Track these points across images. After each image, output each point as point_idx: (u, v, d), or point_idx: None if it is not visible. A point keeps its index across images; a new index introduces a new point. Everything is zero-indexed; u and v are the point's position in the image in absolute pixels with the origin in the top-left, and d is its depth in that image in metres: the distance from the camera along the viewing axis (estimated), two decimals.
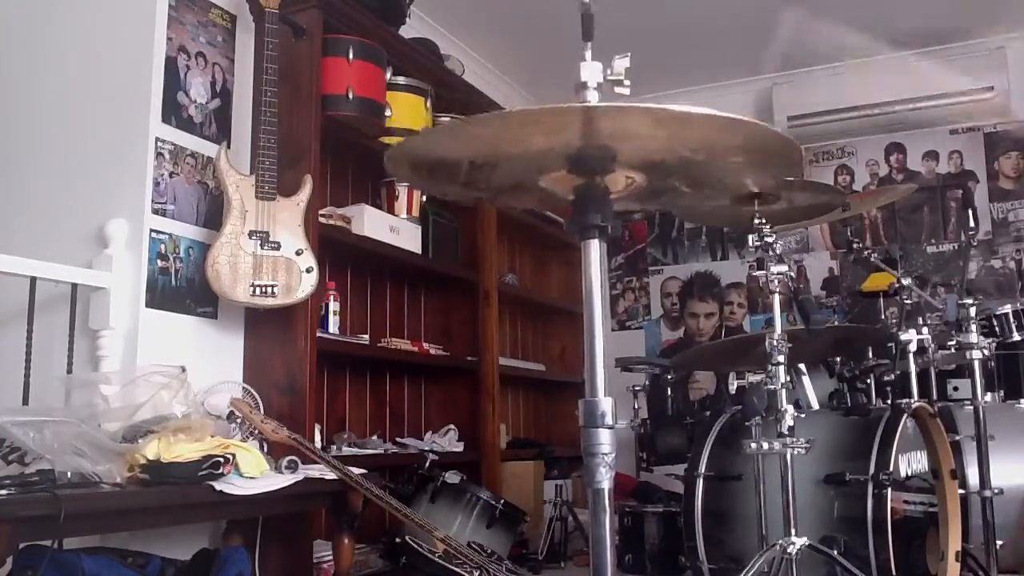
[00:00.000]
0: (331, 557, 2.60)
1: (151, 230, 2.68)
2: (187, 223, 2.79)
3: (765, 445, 2.12)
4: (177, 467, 2.06)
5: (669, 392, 3.42)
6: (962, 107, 4.54)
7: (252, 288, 2.66)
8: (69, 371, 2.53)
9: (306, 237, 2.76)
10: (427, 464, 3.09)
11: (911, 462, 2.47)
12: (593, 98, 1.27)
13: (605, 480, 1.28)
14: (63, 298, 2.59)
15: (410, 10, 3.61)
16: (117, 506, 1.98)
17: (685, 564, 2.65)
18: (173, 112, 2.78)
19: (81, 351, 2.58)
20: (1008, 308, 3.43)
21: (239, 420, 2.53)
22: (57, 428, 1.99)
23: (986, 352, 2.82)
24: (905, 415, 2.39)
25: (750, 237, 2.27)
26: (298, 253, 2.74)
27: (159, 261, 2.69)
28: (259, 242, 2.69)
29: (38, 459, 1.92)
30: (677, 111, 1.21)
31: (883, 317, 3.65)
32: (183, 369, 2.36)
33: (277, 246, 2.71)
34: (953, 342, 2.85)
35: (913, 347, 2.69)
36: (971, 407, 2.81)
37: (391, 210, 3.49)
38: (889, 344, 2.73)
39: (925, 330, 2.77)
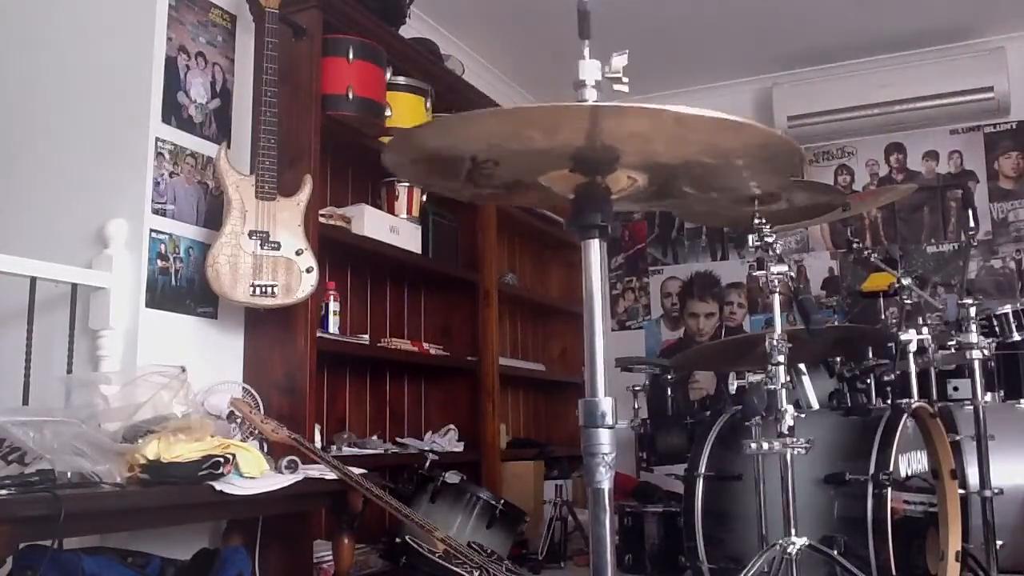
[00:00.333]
0: (331, 557, 2.60)
1: (151, 230, 2.68)
2: (187, 223, 2.79)
3: (765, 445, 2.12)
4: (177, 467, 2.06)
5: (669, 392, 3.42)
6: (962, 107, 4.54)
7: (252, 288, 2.66)
8: (69, 371, 2.53)
9: (306, 237, 2.76)
10: (427, 464, 3.09)
11: (911, 462, 2.47)
12: (592, 96, 1.27)
13: (605, 480, 1.28)
14: (63, 298, 2.59)
15: (410, 10, 3.61)
16: (117, 506, 1.98)
17: (685, 564, 2.65)
18: (173, 112, 2.78)
19: (81, 351, 2.58)
20: (1008, 308, 3.43)
21: (239, 420, 2.53)
22: (57, 428, 1.99)
23: (986, 352, 2.82)
24: (905, 415, 2.39)
25: (750, 237, 2.27)
26: (298, 253, 2.74)
27: (159, 261, 2.69)
28: (259, 242, 2.69)
29: (38, 459, 1.92)
30: (683, 113, 1.20)
31: (883, 317, 3.65)
32: (183, 369, 2.36)
33: (277, 246, 2.71)
34: (953, 342, 2.85)
35: (913, 347, 2.69)
36: (971, 407, 2.81)
37: (391, 210, 3.49)
38: (889, 344, 2.74)
39: (925, 330, 2.77)
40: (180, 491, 2.07)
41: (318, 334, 2.94)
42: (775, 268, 2.22)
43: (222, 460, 2.11)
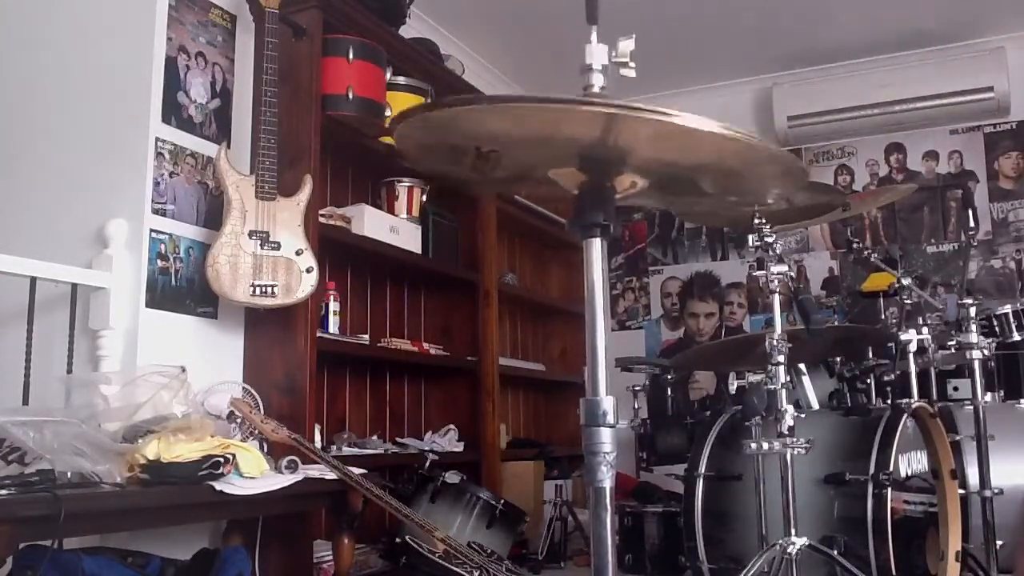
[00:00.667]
0: (331, 557, 2.60)
1: (151, 230, 2.68)
2: (187, 223, 2.79)
3: (765, 445, 2.12)
4: (177, 467, 2.06)
5: (669, 392, 3.42)
6: (962, 107, 4.54)
7: (252, 288, 2.66)
8: (69, 371, 2.53)
9: (306, 237, 2.76)
10: (427, 464, 3.09)
11: (911, 462, 2.47)
12: (599, 81, 1.25)
13: (606, 479, 1.28)
14: (63, 298, 2.59)
15: (410, 10, 3.61)
16: (117, 506, 1.98)
17: (685, 564, 2.65)
18: (173, 112, 2.78)
19: (81, 351, 2.58)
20: (1008, 308, 3.43)
21: (239, 420, 2.53)
22: (57, 428, 1.99)
23: (986, 352, 2.82)
24: (905, 415, 2.39)
25: (750, 237, 2.27)
26: (298, 253, 2.73)
27: (159, 261, 2.69)
28: (259, 242, 2.69)
29: (38, 459, 1.91)
30: (701, 128, 1.17)
31: (883, 317, 3.65)
32: (183, 369, 2.36)
33: (277, 246, 2.71)
34: (953, 342, 2.85)
35: (913, 347, 2.69)
36: (971, 407, 2.81)
37: (391, 210, 3.49)
38: (889, 344, 2.74)
39: (925, 330, 2.77)
40: (180, 491, 2.07)
41: (318, 334, 2.94)
42: (775, 268, 2.22)
43: (222, 460, 2.11)
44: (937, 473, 2.56)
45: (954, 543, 2.52)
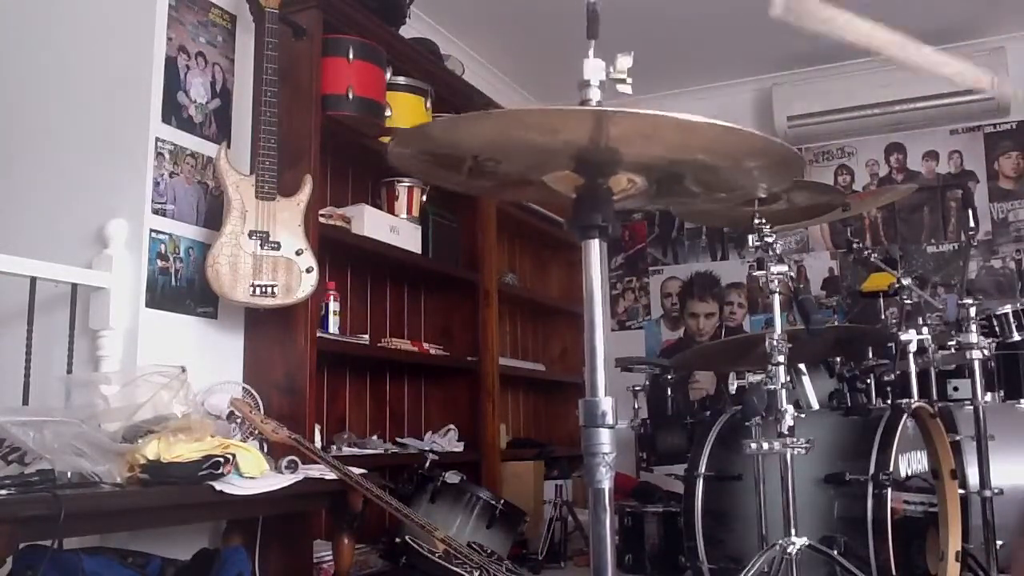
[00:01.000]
0: (331, 557, 2.60)
1: (151, 230, 2.68)
2: (187, 223, 2.79)
3: (765, 445, 2.12)
4: (177, 467, 2.06)
5: (669, 392, 3.42)
6: (962, 107, 4.54)
7: (252, 288, 2.66)
8: (69, 371, 2.53)
9: (306, 237, 2.76)
10: (427, 464, 3.09)
11: (911, 462, 2.47)
12: (596, 95, 1.27)
13: (605, 480, 1.28)
14: (63, 298, 2.59)
15: (410, 10, 3.61)
16: (117, 506, 1.98)
17: (685, 564, 2.66)
18: (173, 112, 2.78)
19: (81, 351, 2.58)
20: (1008, 308, 3.43)
21: (239, 420, 2.53)
22: (57, 428, 1.99)
23: (986, 352, 2.82)
24: (905, 415, 2.39)
25: (750, 237, 2.27)
26: (298, 253, 2.74)
27: (159, 261, 2.69)
28: (259, 242, 2.69)
29: (38, 459, 1.92)
30: (690, 121, 1.19)
31: (883, 317, 3.65)
32: (183, 369, 2.36)
33: (277, 246, 2.71)
34: (953, 342, 2.85)
35: (913, 347, 2.69)
36: (971, 407, 2.81)
37: (391, 210, 3.49)
38: (889, 344, 2.73)
39: (925, 330, 2.77)
40: (180, 491, 2.07)
41: (318, 334, 2.94)
42: (775, 268, 2.22)
43: (222, 460, 2.11)
44: (937, 473, 2.56)
45: (954, 543, 2.52)
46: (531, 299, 4.73)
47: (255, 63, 3.02)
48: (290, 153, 2.89)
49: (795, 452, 2.11)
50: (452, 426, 3.71)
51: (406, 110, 3.35)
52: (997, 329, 3.39)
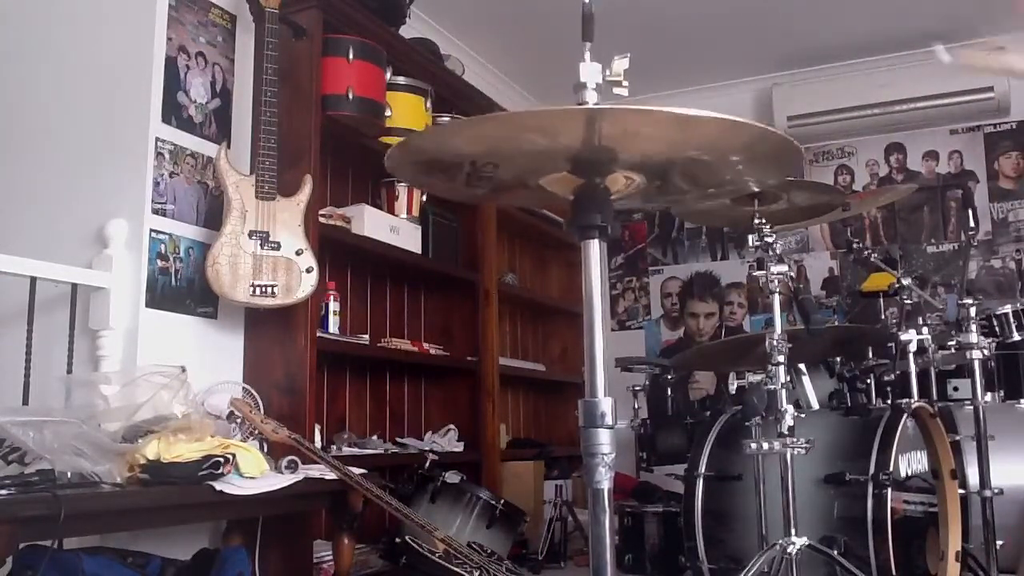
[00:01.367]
0: (331, 557, 2.60)
1: (151, 230, 2.68)
2: (187, 223, 2.79)
3: (765, 445, 2.12)
4: (177, 467, 2.06)
5: (669, 392, 3.42)
6: (962, 107, 4.54)
7: (252, 288, 2.66)
8: (69, 371, 2.53)
9: (306, 237, 2.76)
10: (427, 464, 3.09)
11: (911, 462, 2.47)
12: (592, 99, 1.27)
13: (605, 480, 1.28)
14: (63, 298, 2.59)
15: (410, 10, 3.61)
16: (117, 506, 1.98)
17: (685, 564, 2.65)
18: (173, 112, 2.78)
19: (81, 351, 2.58)
20: (1008, 308, 3.43)
21: (239, 420, 2.53)
22: (57, 428, 1.99)
23: (986, 352, 2.82)
24: (905, 415, 2.39)
25: (750, 237, 2.27)
26: (298, 253, 2.74)
27: (159, 261, 2.69)
28: (259, 242, 2.69)
29: (38, 459, 1.92)
30: (680, 113, 1.20)
31: (883, 317, 3.65)
32: (183, 369, 2.36)
33: (277, 246, 2.71)
34: (953, 342, 2.85)
35: (913, 347, 2.69)
36: (971, 407, 2.81)
37: (391, 210, 3.49)
38: (889, 344, 2.74)
39: (925, 330, 2.77)
40: (180, 491, 2.07)
41: (318, 334, 2.94)
42: (775, 268, 2.22)
43: (222, 460, 2.11)
44: (937, 473, 2.56)
45: (954, 543, 2.52)
46: (531, 299, 4.73)
47: (255, 63, 3.02)
48: (290, 153, 2.89)
49: (795, 452, 2.11)
50: (452, 426, 3.71)
51: (406, 110, 3.35)
52: (997, 329, 3.39)
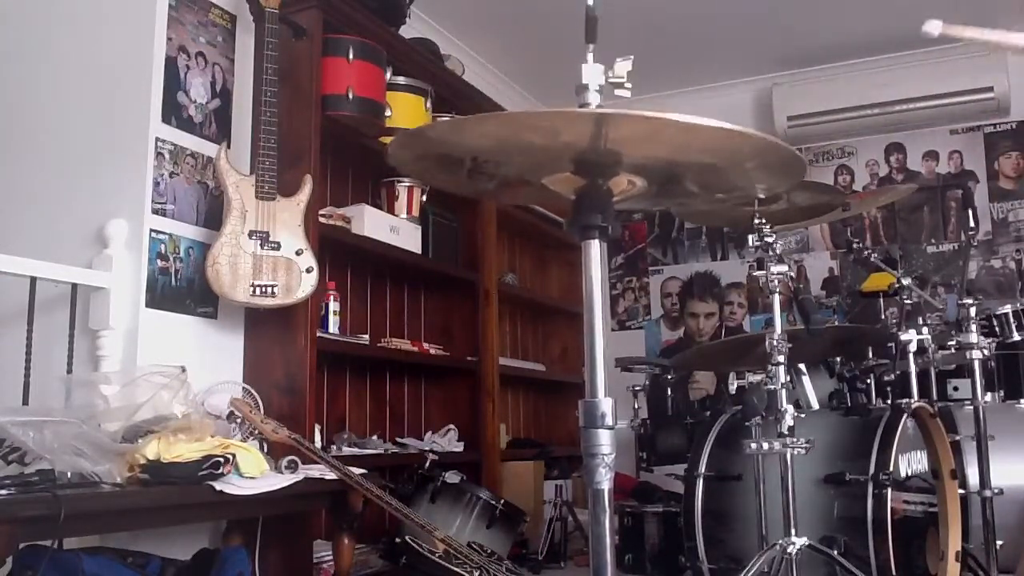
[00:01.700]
0: (331, 557, 2.60)
1: (151, 230, 2.68)
2: (187, 223, 2.79)
3: (765, 445, 2.12)
4: (177, 467, 2.06)
5: (669, 392, 3.42)
6: (962, 107, 4.54)
7: (252, 288, 2.66)
8: (69, 371, 2.53)
9: (306, 237, 2.76)
10: (427, 464, 3.09)
11: (911, 462, 2.47)
12: (594, 100, 1.27)
13: (605, 480, 1.28)
14: (63, 298, 2.59)
15: (410, 10, 3.61)
16: (117, 506, 1.98)
17: (685, 564, 2.66)
18: (173, 112, 2.78)
19: (81, 351, 2.58)
20: (1008, 308, 3.43)
21: (239, 420, 2.53)
22: (57, 428, 1.99)
23: (986, 352, 2.82)
24: (905, 415, 2.39)
25: (750, 237, 2.27)
26: (298, 253, 2.74)
27: (159, 261, 2.69)
28: (259, 242, 2.69)
29: (38, 459, 1.92)
30: (692, 123, 1.19)
31: (883, 317, 3.65)
32: (183, 369, 2.36)
33: (277, 246, 2.71)
34: (953, 342, 2.85)
35: (913, 347, 2.69)
36: (971, 407, 2.81)
37: (391, 210, 3.49)
38: (889, 344, 2.74)
39: (925, 330, 2.77)
40: (180, 491, 2.07)
41: (318, 334, 2.94)
42: (775, 268, 2.22)
43: (222, 460, 2.11)
44: (937, 473, 2.56)
45: (954, 543, 2.52)
46: (531, 299, 4.73)
47: (255, 63, 3.02)
48: (290, 153, 2.89)
49: (795, 452, 2.11)
50: (452, 426, 3.71)
51: (406, 110, 3.35)
52: (997, 329, 3.39)
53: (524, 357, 4.74)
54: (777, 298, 2.22)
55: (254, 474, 2.22)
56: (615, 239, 5.25)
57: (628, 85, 1.26)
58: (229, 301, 2.69)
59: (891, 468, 2.25)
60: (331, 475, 2.42)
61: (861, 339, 2.90)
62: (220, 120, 2.94)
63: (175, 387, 2.28)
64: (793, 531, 2.10)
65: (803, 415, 2.35)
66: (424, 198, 3.59)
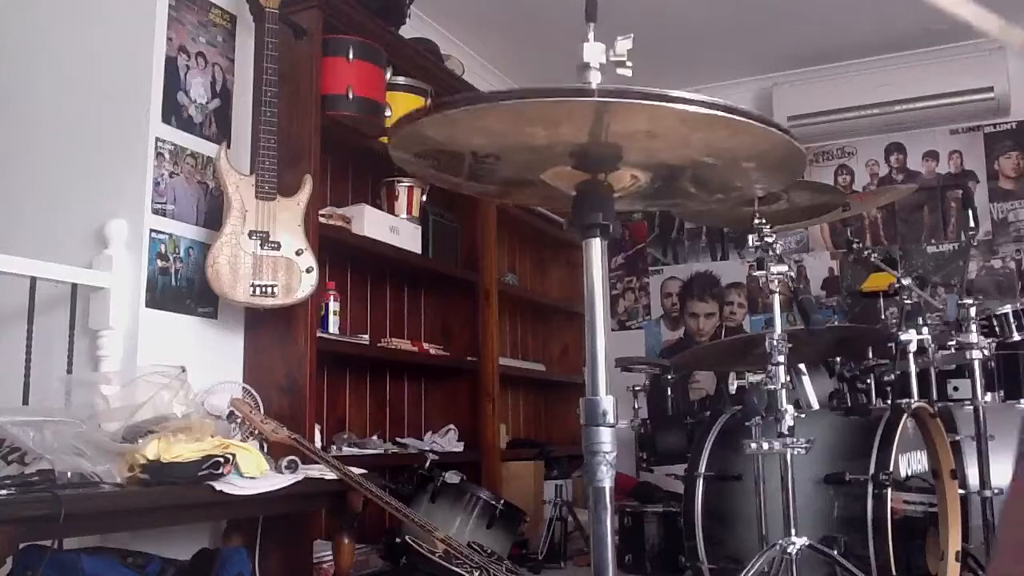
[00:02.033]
0: (331, 557, 2.60)
1: (151, 230, 2.68)
2: (187, 223, 2.79)
3: (765, 445, 2.12)
4: (177, 467, 2.05)
5: (669, 392, 3.41)
6: (962, 107, 4.54)
7: (252, 288, 2.66)
8: (69, 371, 2.53)
9: (306, 237, 2.76)
10: (427, 464, 3.09)
11: (911, 462, 2.47)
12: (596, 79, 1.26)
13: (606, 478, 1.28)
14: (63, 298, 2.59)
15: (410, 10, 3.61)
16: (117, 506, 1.98)
17: (685, 564, 2.65)
18: (173, 112, 2.78)
19: (81, 351, 2.58)
20: (1008, 308, 3.43)
21: (239, 420, 2.53)
22: (57, 428, 1.99)
23: (986, 352, 2.82)
24: (905, 415, 2.39)
25: (750, 237, 2.27)
26: (298, 253, 2.74)
27: (159, 261, 2.69)
28: (259, 242, 2.69)
29: (38, 459, 1.92)
30: (689, 108, 1.18)
31: (883, 317, 3.65)
32: (183, 369, 2.36)
33: (277, 246, 2.71)
34: (953, 342, 2.85)
35: (913, 347, 2.69)
36: (971, 407, 2.81)
37: (391, 210, 3.49)
38: (889, 344, 2.74)
39: (925, 330, 2.77)
40: (180, 491, 2.07)
41: (318, 334, 2.94)
42: (775, 268, 2.22)
43: (222, 460, 2.11)
44: (937, 473, 2.56)
45: (954, 543, 2.52)
46: (531, 299, 4.73)
47: (255, 63, 3.02)
48: (290, 153, 2.89)
49: (795, 452, 2.11)
50: (452, 426, 3.71)
51: (406, 110, 3.33)
52: (997, 329, 3.39)
53: (524, 357, 4.74)
54: (777, 298, 2.22)
55: (254, 474, 2.22)
56: (616, 238, 5.24)
57: (629, 63, 1.25)
58: (229, 301, 2.69)
59: (891, 468, 2.25)
60: (331, 475, 2.41)
61: (861, 339, 2.90)
62: (220, 120, 2.94)
63: (175, 387, 2.28)
64: (793, 531, 2.10)
65: (803, 415, 2.35)
66: (424, 198, 3.59)
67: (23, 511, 1.72)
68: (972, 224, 3.14)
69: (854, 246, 3.12)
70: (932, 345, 2.82)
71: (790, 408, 2.13)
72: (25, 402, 2.39)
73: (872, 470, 2.26)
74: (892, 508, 2.23)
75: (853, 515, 2.27)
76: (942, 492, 2.55)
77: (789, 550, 2.07)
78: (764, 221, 2.29)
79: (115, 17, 2.86)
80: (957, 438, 2.83)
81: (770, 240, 2.24)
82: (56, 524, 1.72)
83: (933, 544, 2.50)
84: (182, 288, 2.75)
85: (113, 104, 2.79)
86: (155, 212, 2.69)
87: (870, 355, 2.85)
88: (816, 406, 2.84)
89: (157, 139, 2.72)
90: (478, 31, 4.48)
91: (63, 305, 2.59)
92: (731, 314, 5.10)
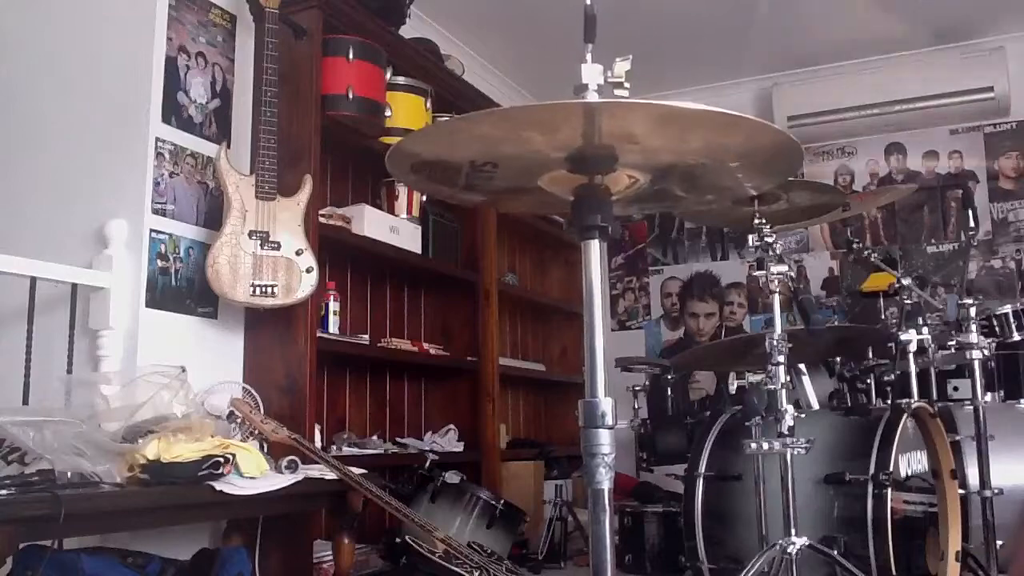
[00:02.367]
0: (331, 557, 2.60)
1: (151, 230, 2.68)
2: (187, 223, 2.79)
3: (765, 445, 2.12)
4: (177, 467, 2.05)
5: (669, 392, 3.41)
6: (962, 107, 4.54)
7: (252, 288, 2.66)
8: (69, 371, 2.53)
9: (306, 237, 2.76)
10: (427, 464, 3.09)
11: (911, 462, 2.47)
12: (593, 99, 1.27)
13: (605, 480, 1.28)
14: (63, 298, 2.59)
15: (410, 10, 3.61)
16: (117, 506, 1.98)
17: (685, 564, 2.65)
18: (173, 112, 2.78)
19: (81, 351, 2.58)
20: (1008, 308, 3.43)
21: (239, 420, 2.53)
22: (57, 428, 1.99)
23: (986, 352, 2.82)
24: (905, 415, 2.39)
25: (750, 237, 2.28)
26: (298, 253, 2.74)
27: (159, 261, 2.69)
28: (259, 242, 2.69)
29: (38, 459, 1.92)
30: (679, 107, 1.19)
31: (883, 317, 3.65)
32: (183, 369, 2.36)
33: (277, 246, 2.71)
34: (953, 342, 2.85)
35: (913, 347, 2.69)
36: (971, 407, 2.81)
37: (391, 210, 3.49)
38: (889, 344, 2.74)
39: (925, 330, 2.77)
40: (180, 491, 2.07)
41: (318, 334, 2.94)
42: (775, 268, 2.22)
43: (222, 460, 2.11)
44: (937, 473, 2.56)
45: (954, 543, 2.52)
46: (531, 299, 4.73)
47: (255, 63, 3.02)
48: (290, 153, 2.89)
49: (795, 452, 2.11)
50: (452, 426, 3.71)
51: (406, 110, 3.35)
52: (997, 329, 3.39)
53: (524, 357, 4.74)
54: (777, 298, 2.22)
55: (254, 474, 2.22)
56: (615, 239, 5.25)
57: (627, 85, 1.26)
58: (229, 301, 2.69)
59: (891, 468, 2.25)
60: (331, 475, 2.42)
61: (861, 339, 2.90)
62: (220, 120, 2.94)
63: (175, 387, 2.28)
64: (793, 531, 2.10)
65: (803, 415, 2.35)
66: (424, 198, 3.59)
67: (23, 511, 1.72)
68: (972, 224, 3.14)
69: (854, 246, 3.12)
70: (932, 345, 2.82)
71: (790, 408, 2.13)
72: (25, 402, 2.39)
73: (872, 470, 2.26)
74: (892, 508, 2.23)
75: (853, 515, 2.27)
76: (942, 492, 2.55)
77: (789, 550, 2.07)
78: (764, 221, 2.29)
79: (115, 17, 2.86)
80: (957, 438, 2.83)
81: (770, 240, 2.24)
82: (56, 524, 1.72)
83: (933, 544, 2.50)
84: (182, 288, 2.75)
85: (113, 104, 2.79)
86: (155, 212, 2.70)
87: (870, 355, 2.85)
88: (816, 406, 2.84)
89: (157, 139, 2.73)
90: (478, 31, 4.48)
91: (63, 305, 2.59)
92: (731, 314, 5.10)
